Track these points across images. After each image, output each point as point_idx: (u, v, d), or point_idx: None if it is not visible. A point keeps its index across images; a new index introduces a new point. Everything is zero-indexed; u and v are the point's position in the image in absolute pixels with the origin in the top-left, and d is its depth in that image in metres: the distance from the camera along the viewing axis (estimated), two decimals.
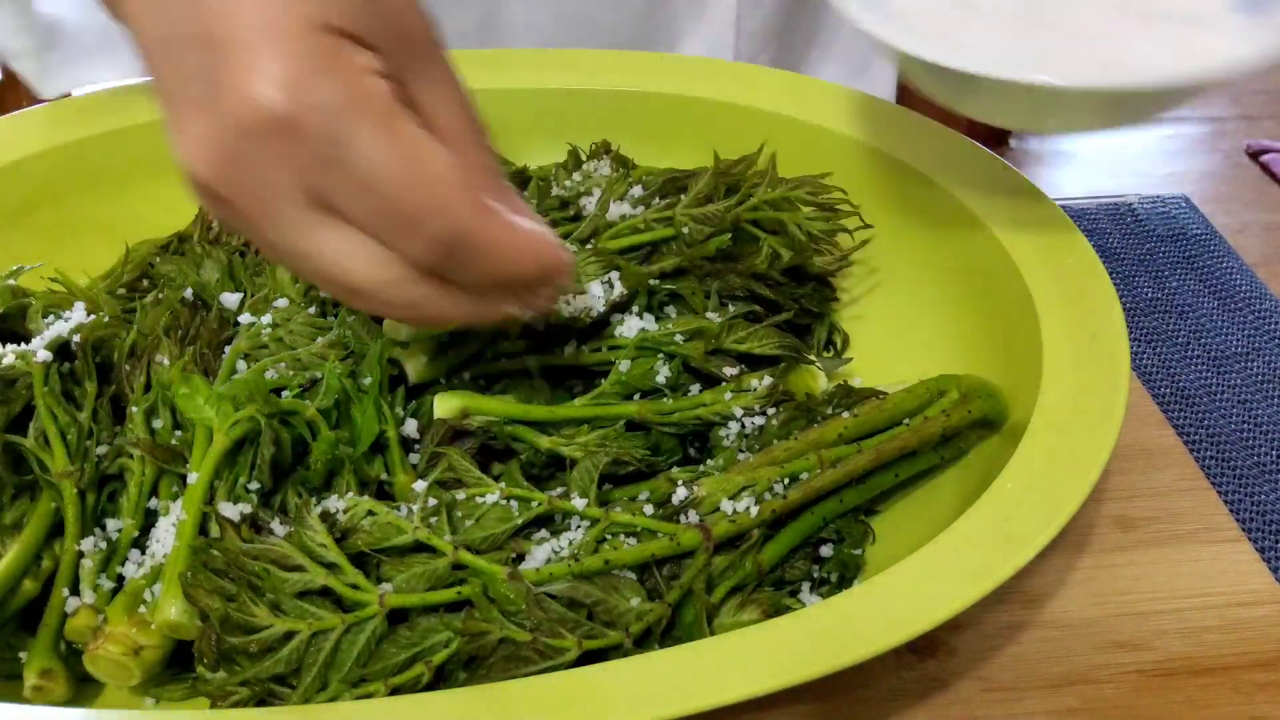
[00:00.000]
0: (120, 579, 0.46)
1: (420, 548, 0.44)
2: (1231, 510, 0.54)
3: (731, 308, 0.55)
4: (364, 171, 0.36)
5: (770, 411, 0.51)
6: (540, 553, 0.44)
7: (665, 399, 0.51)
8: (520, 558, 0.44)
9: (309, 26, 0.36)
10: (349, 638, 0.42)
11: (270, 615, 0.42)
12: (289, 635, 0.41)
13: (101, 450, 0.49)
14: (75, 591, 0.46)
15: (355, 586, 0.42)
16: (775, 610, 0.45)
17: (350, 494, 0.46)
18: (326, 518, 0.45)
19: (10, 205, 0.60)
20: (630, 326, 0.53)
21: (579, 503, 0.46)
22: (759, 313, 0.56)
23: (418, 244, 0.37)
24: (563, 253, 0.41)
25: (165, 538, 0.46)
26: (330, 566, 0.43)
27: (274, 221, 0.37)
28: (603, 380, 0.52)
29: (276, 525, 0.45)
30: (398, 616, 0.42)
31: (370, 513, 0.44)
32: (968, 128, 0.62)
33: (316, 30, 0.36)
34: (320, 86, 0.35)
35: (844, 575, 0.48)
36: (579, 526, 0.46)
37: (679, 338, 0.52)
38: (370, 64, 0.37)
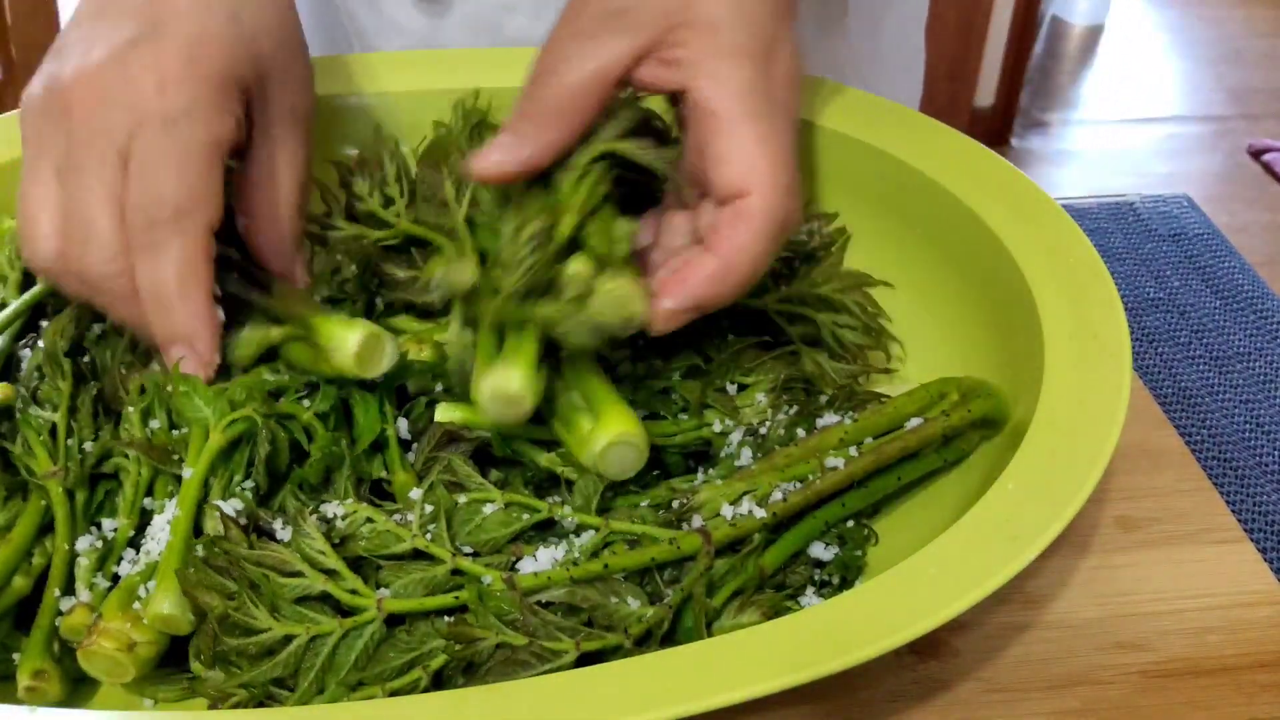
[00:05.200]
0: (116, 578, 0.46)
1: (419, 555, 0.44)
2: (1233, 511, 0.54)
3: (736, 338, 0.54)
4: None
5: (771, 422, 0.51)
6: (541, 557, 0.44)
7: (667, 419, 0.51)
8: (520, 561, 0.44)
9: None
10: (347, 642, 0.42)
11: (269, 618, 0.42)
12: (287, 639, 0.41)
13: (88, 447, 0.48)
14: (69, 591, 0.46)
15: (354, 592, 0.42)
16: (776, 612, 0.44)
17: (350, 499, 0.46)
18: (325, 523, 0.44)
19: (9, 204, 0.60)
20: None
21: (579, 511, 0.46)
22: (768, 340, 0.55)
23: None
24: (189, 344, 0.47)
25: (160, 535, 0.46)
26: (329, 573, 0.43)
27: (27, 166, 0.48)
28: None
29: (278, 526, 0.44)
30: (396, 621, 0.42)
31: (369, 519, 0.44)
32: (968, 127, 0.62)
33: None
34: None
35: (845, 577, 0.47)
36: (580, 533, 0.45)
37: (677, 375, 0.51)
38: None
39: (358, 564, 0.44)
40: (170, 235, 0.46)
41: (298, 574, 0.42)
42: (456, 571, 0.43)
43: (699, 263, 0.45)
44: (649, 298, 0.45)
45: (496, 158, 0.46)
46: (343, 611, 0.42)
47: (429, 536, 0.44)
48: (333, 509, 0.45)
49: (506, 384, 0.45)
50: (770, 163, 0.44)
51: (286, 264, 0.52)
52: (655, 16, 0.46)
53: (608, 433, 0.46)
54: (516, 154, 0.46)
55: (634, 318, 0.46)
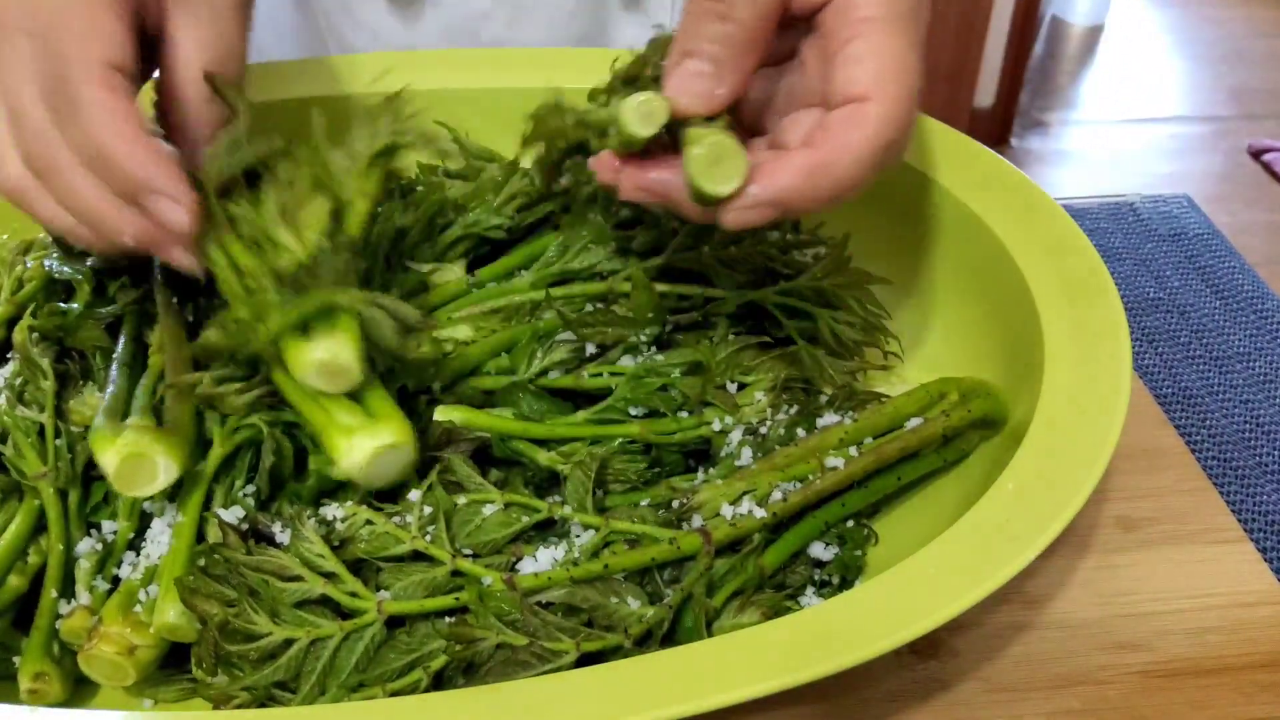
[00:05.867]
0: (115, 580, 0.46)
1: (419, 556, 0.44)
2: (1233, 510, 0.54)
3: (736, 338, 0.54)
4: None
5: (771, 421, 0.51)
6: (541, 557, 0.44)
7: (667, 417, 0.51)
8: (520, 561, 0.44)
9: None
10: (347, 645, 0.42)
11: (270, 623, 0.42)
12: (288, 643, 0.41)
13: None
14: (68, 593, 0.46)
15: (354, 594, 0.42)
16: (776, 612, 0.44)
17: (350, 502, 0.46)
18: (325, 525, 0.44)
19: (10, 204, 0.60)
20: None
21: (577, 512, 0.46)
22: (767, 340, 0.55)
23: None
24: (160, 174, 0.43)
25: (160, 539, 0.46)
26: (328, 576, 0.43)
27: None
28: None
29: (277, 530, 0.44)
30: (397, 623, 0.42)
31: (369, 522, 0.44)
32: (969, 127, 0.62)
33: None
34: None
35: (845, 577, 0.47)
36: (580, 535, 0.45)
37: (677, 372, 0.52)
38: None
39: (358, 566, 0.44)
40: (79, 87, 0.43)
41: (297, 578, 0.42)
42: (456, 573, 0.43)
43: (795, 154, 0.41)
44: (746, 169, 0.41)
45: (702, 88, 0.42)
46: (343, 614, 0.42)
47: (428, 538, 0.44)
48: (332, 511, 0.45)
49: (335, 356, 0.44)
50: (900, 76, 0.41)
51: (191, 146, 0.48)
52: None
53: (380, 436, 0.44)
54: (717, 94, 0.43)
55: (731, 178, 0.41)
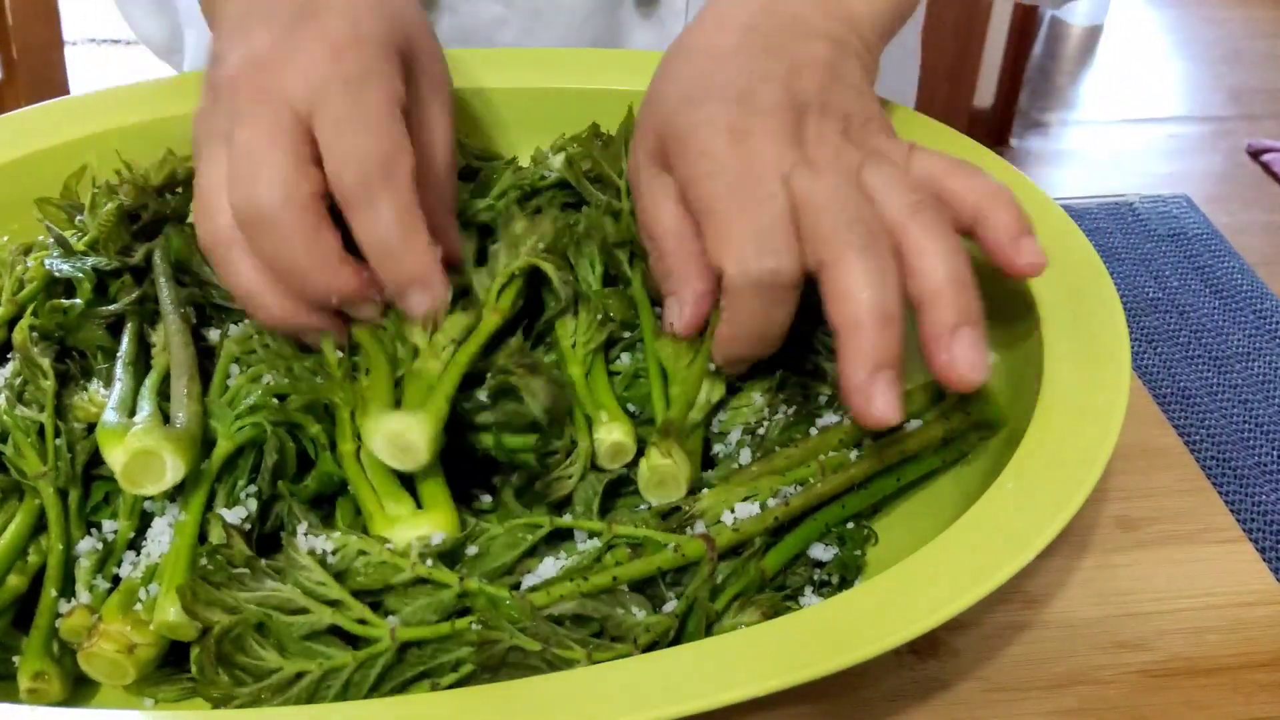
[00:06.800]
0: (116, 579, 0.46)
1: (423, 580, 0.43)
2: (1232, 510, 0.54)
3: None
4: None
5: (769, 422, 0.51)
6: (545, 567, 0.44)
7: None
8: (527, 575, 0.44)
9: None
10: (360, 673, 0.41)
11: (278, 658, 0.41)
12: (300, 675, 0.40)
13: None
14: (67, 593, 0.46)
15: (363, 621, 0.41)
16: (776, 612, 0.44)
17: (338, 533, 0.44)
18: (315, 557, 0.43)
19: (10, 204, 0.60)
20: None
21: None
22: None
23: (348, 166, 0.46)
24: (423, 286, 0.47)
25: (161, 538, 0.46)
26: (333, 603, 0.42)
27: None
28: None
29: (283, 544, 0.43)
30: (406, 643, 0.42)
31: (362, 552, 0.43)
32: (968, 127, 0.62)
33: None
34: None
35: (845, 577, 0.47)
36: (584, 541, 0.45)
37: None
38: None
39: (361, 591, 0.43)
40: (382, 187, 0.46)
41: (303, 610, 0.41)
42: (464, 594, 0.42)
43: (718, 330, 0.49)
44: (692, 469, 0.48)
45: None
46: (351, 640, 0.41)
47: (429, 562, 0.43)
48: (320, 544, 0.43)
49: (407, 431, 0.44)
50: (739, 245, 0.46)
51: (445, 230, 0.52)
52: (659, 147, 0.50)
53: (420, 528, 0.44)
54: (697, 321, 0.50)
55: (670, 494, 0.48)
